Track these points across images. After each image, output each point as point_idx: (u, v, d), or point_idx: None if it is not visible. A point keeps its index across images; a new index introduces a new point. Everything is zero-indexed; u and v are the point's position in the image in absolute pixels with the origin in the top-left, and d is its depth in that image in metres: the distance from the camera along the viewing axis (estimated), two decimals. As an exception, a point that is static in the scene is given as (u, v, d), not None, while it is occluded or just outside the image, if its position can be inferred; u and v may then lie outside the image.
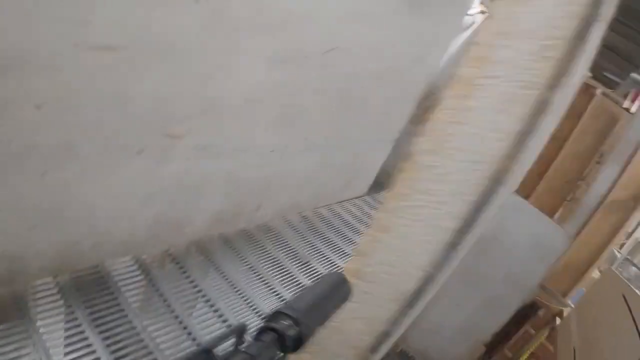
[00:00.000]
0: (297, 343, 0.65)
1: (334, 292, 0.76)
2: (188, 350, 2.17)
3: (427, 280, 0.73)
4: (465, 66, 0.70)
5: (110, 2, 1.60)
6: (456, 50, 4.65)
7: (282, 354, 0.65)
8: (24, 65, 1.55)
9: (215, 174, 2.52)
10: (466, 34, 4.72)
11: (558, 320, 4.52)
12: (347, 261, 3.35)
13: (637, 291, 3.27)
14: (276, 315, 0.67)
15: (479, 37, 0.68)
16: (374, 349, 0.80)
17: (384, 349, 0.82)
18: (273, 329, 0.64)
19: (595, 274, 4.70)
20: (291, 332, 0.64)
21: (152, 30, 1.78)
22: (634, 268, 5.05)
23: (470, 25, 4.82)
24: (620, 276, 3.54)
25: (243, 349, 0.61)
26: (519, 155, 0.67)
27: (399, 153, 4.40)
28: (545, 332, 4.58)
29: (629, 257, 5.40)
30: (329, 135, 3.19)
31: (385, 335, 0.78)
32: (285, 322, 0.65)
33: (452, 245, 0.70)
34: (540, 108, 0.65)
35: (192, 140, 2.24)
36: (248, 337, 0.66)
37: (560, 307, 4.58)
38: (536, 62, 0.62)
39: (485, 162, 0.66)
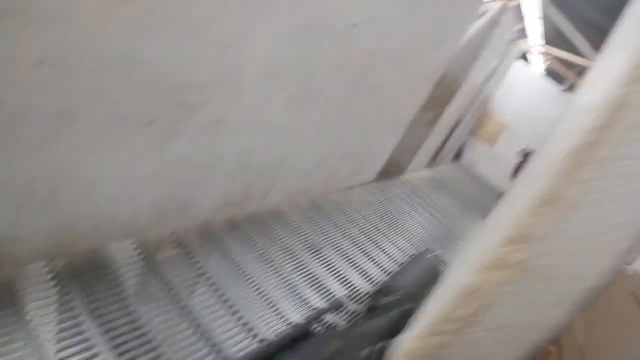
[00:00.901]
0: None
1: (430, 275, 0.72)
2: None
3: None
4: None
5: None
6: (469, 38, 4.52)
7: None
8: (25, 12, 1.32)
9: (227, 152, 2.32)
10: (480, 22, 4.60)
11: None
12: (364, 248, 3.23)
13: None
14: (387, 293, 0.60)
15: None
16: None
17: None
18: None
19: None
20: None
21: (171, -17, 1.56)
22: None
23: (484, 13, 4.71)
24: (630, 273, 3.49)
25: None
26: None
27: (408, 140, 4.27)
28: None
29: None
30: (342, 118, 3.02)
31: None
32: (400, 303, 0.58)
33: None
34: None
35: (207, 113, 2.04)
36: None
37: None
38: None
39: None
